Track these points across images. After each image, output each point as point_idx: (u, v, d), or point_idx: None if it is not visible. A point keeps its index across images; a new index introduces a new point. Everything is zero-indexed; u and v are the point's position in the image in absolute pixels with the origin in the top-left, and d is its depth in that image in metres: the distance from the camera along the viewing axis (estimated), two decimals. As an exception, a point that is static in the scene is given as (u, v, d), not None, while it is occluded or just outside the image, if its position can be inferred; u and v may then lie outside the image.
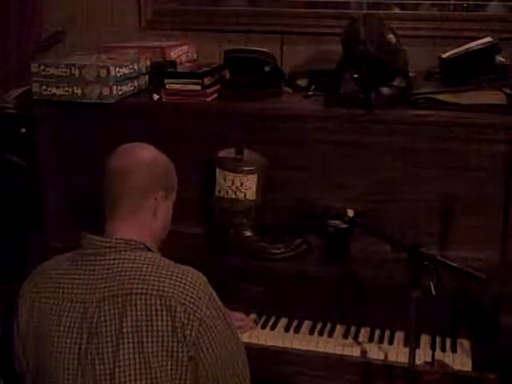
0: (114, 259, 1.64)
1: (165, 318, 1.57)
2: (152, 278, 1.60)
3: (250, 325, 2.22)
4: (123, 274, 1.62)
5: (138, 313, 1.58)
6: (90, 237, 1.69)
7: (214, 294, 1.65)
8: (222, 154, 2.36)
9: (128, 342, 1.58)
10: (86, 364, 1.60)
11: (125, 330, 1.58)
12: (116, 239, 1.67)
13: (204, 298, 1.61)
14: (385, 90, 2.30)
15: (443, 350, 2.11)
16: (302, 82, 2.65)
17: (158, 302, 1.58)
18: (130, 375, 1.57)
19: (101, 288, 1.62)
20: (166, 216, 1.81)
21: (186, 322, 1.57)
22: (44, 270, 1.75)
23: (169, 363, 1.57)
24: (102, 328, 1.60)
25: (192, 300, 1.59)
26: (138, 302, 1.58)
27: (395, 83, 2.32)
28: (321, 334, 2.21)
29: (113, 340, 1.58)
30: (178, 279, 1.60)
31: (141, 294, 1.59)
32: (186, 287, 1.60)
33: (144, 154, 1.78)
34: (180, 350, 1.57)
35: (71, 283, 1.66)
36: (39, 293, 1.69)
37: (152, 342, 1.57)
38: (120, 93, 2.38)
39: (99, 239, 1.68)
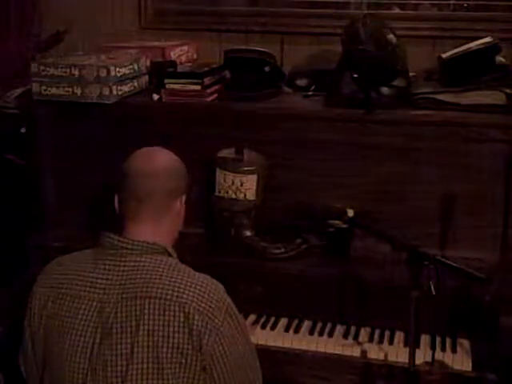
0: (135, 261, 1.65)
1: (181, 324, 1.57)
2: (172, 284, 1.60)
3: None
4: (143, 276, 1.62)
5: (156, 317, 1.58)
6: (112, 237, 1.69)
7: (232, 304, 1.65)
8: (222, 154, 2.36)
9: (143, 346, 1.57)
10: (97, 363, 1.60)
11: (141, 332, 1.58)
12: (138, 242, 1.67)
13: (222, 308, 1.61)
14: (385, 90, 2.29)
15: (443, 349, 2.11)
16: (302, 82, 2.65)
17: (177, 309, 1.58)
18: (142, 378, 1.57)
19: (119, 289, 1.62)
20: (182, 219, 1.83)
21: (202, 330, 1.57)
22: (61, 265, 1.74)
23: (182, 370, 1.57)
24: (118, 329, 1.60)
25: (210, 309, 1.59)
26: (156, 306, 1.58)
27: (395, 83, 2.31)
28: (321, 334, 2.21)
29: (127, 342, 1.58)
30: (198, 287, 1.60)
31: (159, 298, 1.59)
32: (206, 296, 1.60)
33: (167, 157, 1.78)
34: (194, 358, 1.57)
35: (89, 282, 1.65)
36: (55, 288, 1.69)
37: (167, 348, 1.57)
38: (120, 93, 2.38)
39: (121, 240, 1.68)
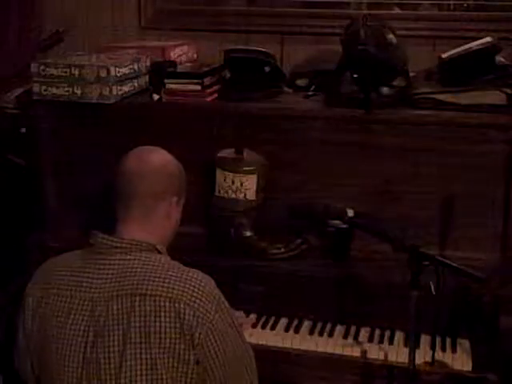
0: (124, 259, 1.65)
1: (173, 320, 1.57)
2: (161, 279, 1.61)
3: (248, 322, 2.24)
4: (133, 274, 1.63)
5: (147, 313, 1.58)
6: (101, 236, 1.69)
7: (223, 298, 1.66)
8: (222, 154, 2.36)
9: (135, 342, 1.58)
10: (91, 362, 1.61)
11: (132, 329, 1.58)
12: (127, 240, 1.68)
13: (213, 302, 1.62)
14: (385, 90, 2.30)
15: (443, 349, 2.11)
16: (302, 82, 2.65)
17: (167, 304, 1.58)
18: (135, 375, 1.58)
19: (110, 287, 1.62)
20: (176, 220, 1.83)
21: (194, 324, 1.57)
22: (52, 266, 1.75)
23: (175, 365, 1.58)
24: (110, 327, 1.60)
25: (201, 304, 1.59)
26: (147, 302, 1.59)
27: (395, 83, 2.32)
28: (321, 334, 2.21)
29: (120, 339, 1.59)
30: (188, 282, 1.61)
31: (150, 295, 1.59)
32: (196, 290, 1.60)
33: (159, 158, 1.79)
34: (187, 352, 1.58)
35: (81, 281, 1.66)
36: (47, 289, 1.69)
37: (159, 344, 1.57)
38: (120, 93, 2.38)
39: (110, 239, 1.68)
